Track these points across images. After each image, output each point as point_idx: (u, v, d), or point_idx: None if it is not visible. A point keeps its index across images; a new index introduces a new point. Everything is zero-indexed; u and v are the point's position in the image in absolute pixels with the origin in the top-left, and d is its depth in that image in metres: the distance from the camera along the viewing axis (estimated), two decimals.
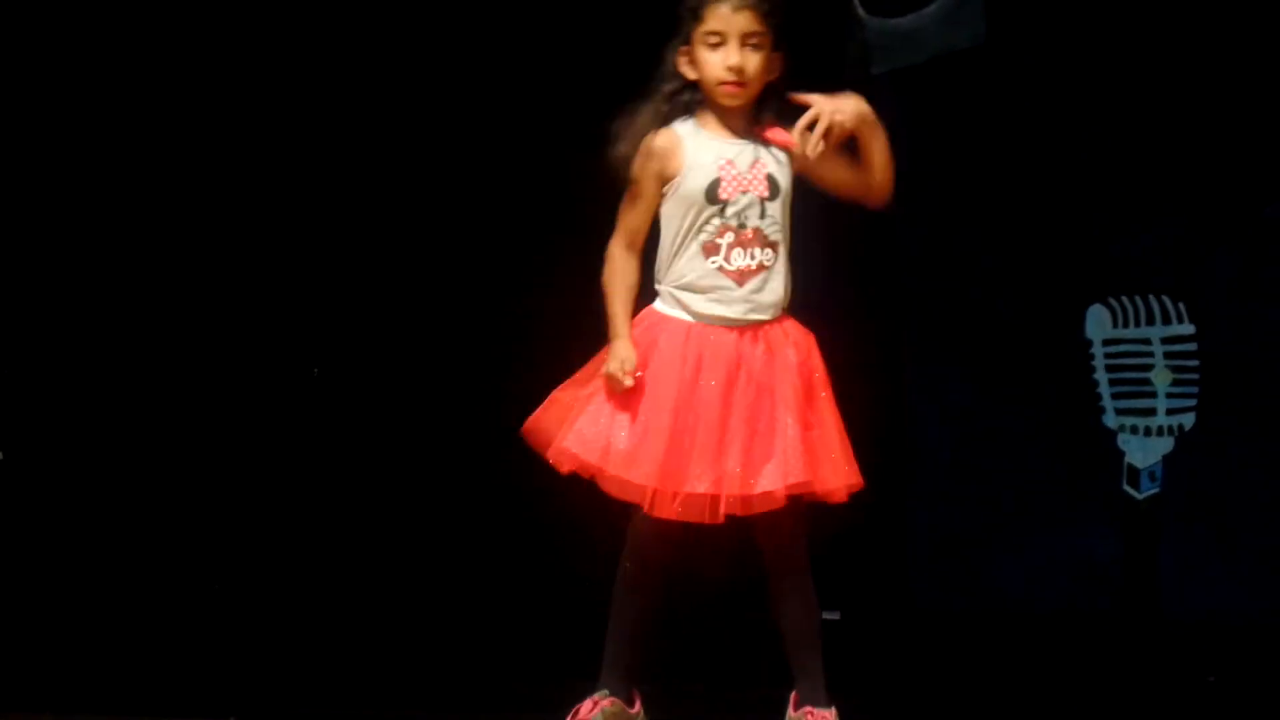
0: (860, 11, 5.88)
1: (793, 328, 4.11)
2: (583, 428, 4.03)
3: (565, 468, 4.05)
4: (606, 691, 4.15)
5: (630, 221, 4.11)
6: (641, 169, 4.08)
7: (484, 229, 6.31)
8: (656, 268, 4.13)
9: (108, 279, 6.29)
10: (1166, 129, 5.93)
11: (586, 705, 4.16)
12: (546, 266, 5.97)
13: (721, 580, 5.02)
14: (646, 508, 4.01)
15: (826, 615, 5.47)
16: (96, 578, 6.16)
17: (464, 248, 6.32)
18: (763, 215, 4.06)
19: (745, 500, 3.99)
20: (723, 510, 3.99)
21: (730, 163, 4.06)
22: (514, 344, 6.16)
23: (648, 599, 4.13)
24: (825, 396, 4.10)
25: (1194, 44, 5.87)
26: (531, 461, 4.11)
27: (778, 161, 4.09)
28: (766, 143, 4.09)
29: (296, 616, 6.10)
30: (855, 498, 6.00)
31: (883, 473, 6.13)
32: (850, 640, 5.89)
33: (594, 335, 4.13)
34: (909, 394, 6.14)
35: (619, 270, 4.11)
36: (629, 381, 4.00)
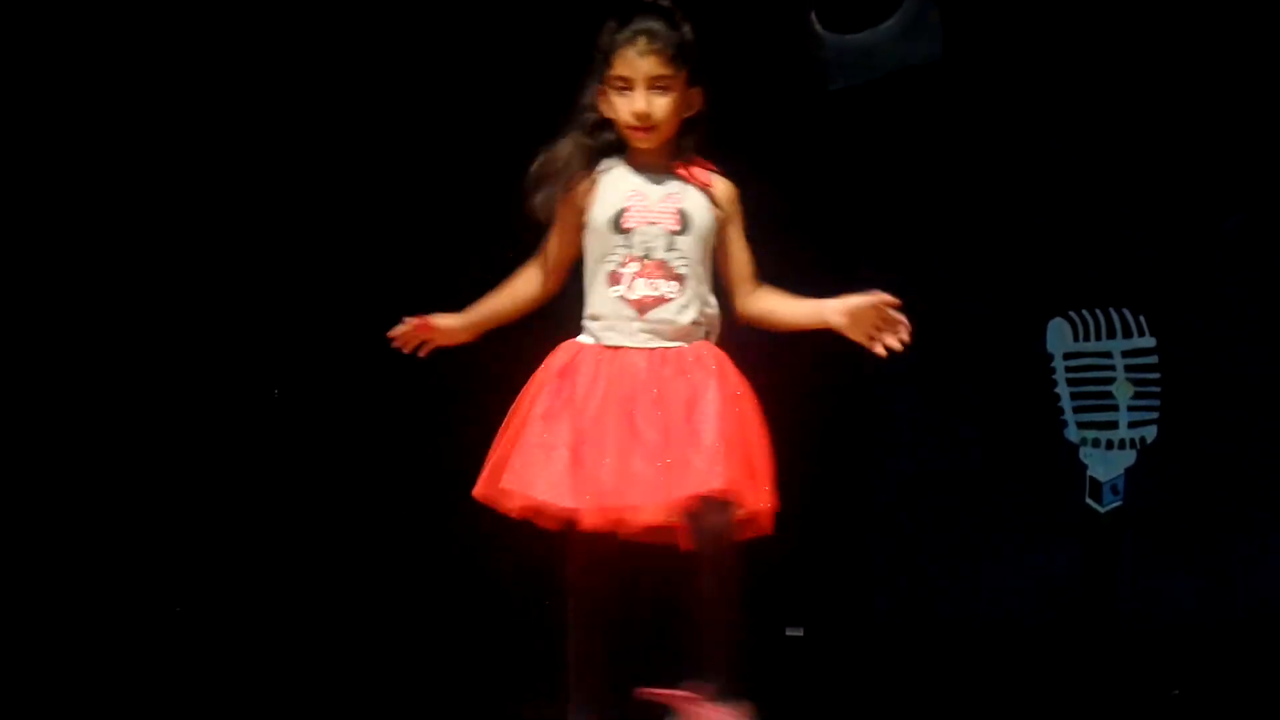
0: (818, 28, 5.91)
1: (709, 353, 4.06)
2: (514, 463, 4.00)
3: (510, 506, 4.02)
4: None
5: (547, 246, 4.10)
6: (560, 199, 4.08)
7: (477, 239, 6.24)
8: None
9: (89, 284, 6.18)
10: (1126, 143, 5.94)
11: None
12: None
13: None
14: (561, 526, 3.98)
15: (790, 632, 5.51)
16: (71, 588, 6.09)
17: (455, 255, 6.24)
18: (670, 248, 4.05)
19: (667, 508, 3.97)
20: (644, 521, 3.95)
21: (640, 194, 4.06)
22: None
23: (595, 624, 4.09)
24: (747, 416, 4.02)
25: (1153, 58, 5.88)
26: None
27: (696, 198, 4.09)
28: (686, 179, 4.09)
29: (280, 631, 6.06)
30: (817, 514, 6.03)
31: (844, 488, 6.19)
32: (812, 657, 5.90)
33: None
34: (869, 409, 6.15)
35: (513, 278, 4.10)
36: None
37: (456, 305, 4.27)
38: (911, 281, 6.10)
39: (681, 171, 4.09)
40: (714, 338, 4.11)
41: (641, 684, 4.05)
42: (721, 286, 4.12)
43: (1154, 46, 5.86)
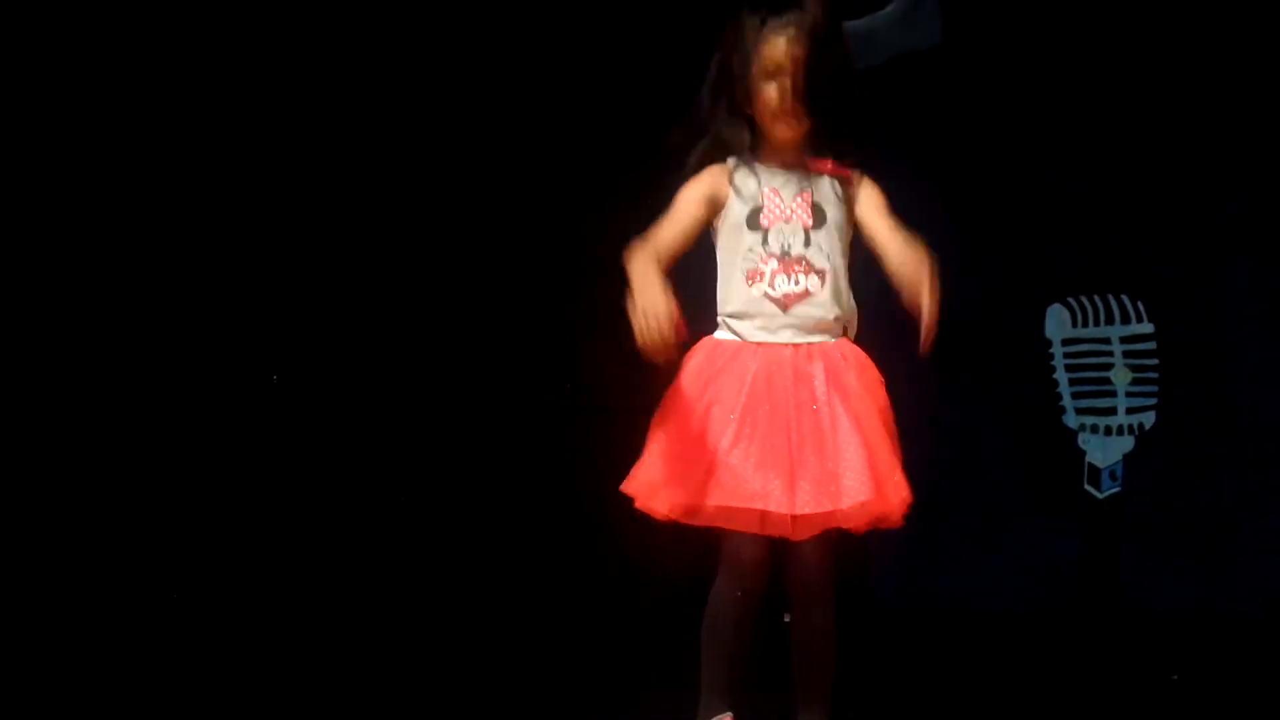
0: None
1: (850, 351, 4.16)
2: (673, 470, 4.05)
3: (660, 511, 4.08)
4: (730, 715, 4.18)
5: (661, 236, 4.04)
6: (685, 194, 4.07)
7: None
8: (717, 302, 4.17)
9: (99, 278, 6.14)
10: (1125, 127, 5.95)
11: None
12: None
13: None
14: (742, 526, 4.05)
15: (787, 618, 5.47)
16: (77, 584, 6.08)
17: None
18: (807, 244, 4.09)
19: (830, 516, 4.06)
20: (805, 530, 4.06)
21: (775, 191, 4.07)
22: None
23: (746, 627, 4.14)
24: (885, 419, 4.20)
25: (1152, 43, 5.89)
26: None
27: (830, 193, 4.11)
28: (819, 173, 4.10)
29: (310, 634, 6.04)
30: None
31: None
32: None
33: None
34: None
35: (641, 251, 3.98)
36: (657, 330, 3.86)
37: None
38: None
39: (813, 165, 4.10)
40: (851, 333, 4.17)
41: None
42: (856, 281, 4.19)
43: (1155, 32, 5.86)
